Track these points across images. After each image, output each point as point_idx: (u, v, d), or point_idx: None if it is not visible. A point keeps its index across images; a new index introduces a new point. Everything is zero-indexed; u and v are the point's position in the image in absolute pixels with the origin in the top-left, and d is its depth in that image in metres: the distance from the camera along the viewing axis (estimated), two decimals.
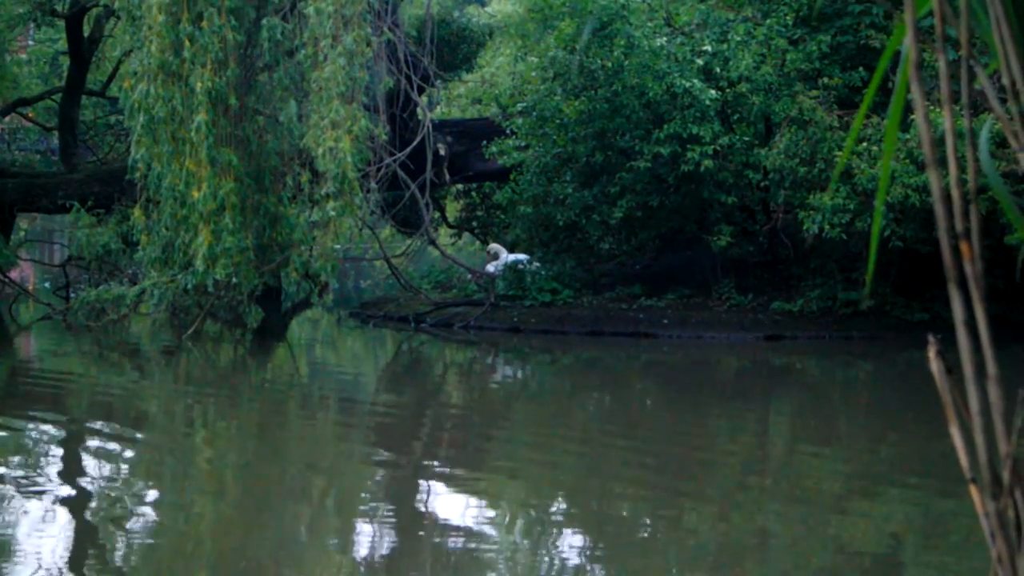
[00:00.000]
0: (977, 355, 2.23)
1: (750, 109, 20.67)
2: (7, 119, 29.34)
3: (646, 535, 10.28)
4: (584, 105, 21.35)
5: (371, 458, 13.31)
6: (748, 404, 16.66)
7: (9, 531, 9.87)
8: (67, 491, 11.42)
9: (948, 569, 9.30)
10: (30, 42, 33.76)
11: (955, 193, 2.04)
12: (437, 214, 27.92)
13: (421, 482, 12.10)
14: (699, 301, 21.52)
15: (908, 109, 16.98)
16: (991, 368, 2.11)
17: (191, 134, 18.62)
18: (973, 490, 2.31)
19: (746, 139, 20.72)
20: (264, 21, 19.36)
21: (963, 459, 2.34)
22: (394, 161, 21.67)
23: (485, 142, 23.94)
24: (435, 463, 13.05)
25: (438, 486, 12.02)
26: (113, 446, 13.69)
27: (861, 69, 20.48)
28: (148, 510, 10.97)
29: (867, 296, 20.07)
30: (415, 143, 22.19)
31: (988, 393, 2.13)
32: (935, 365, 2.32)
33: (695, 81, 20.19)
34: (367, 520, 10.61)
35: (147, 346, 21.64)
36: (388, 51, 21.31)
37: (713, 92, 20.25)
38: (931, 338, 2.35)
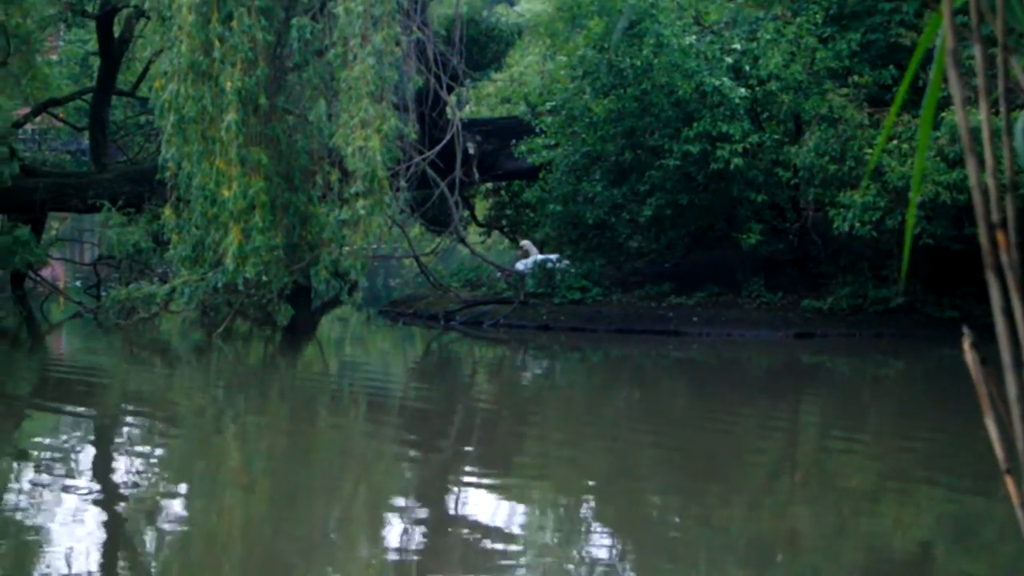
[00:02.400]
0: (1013, 346, 2.23)
1: (780, 107, 20.63)
2: (38, 119, 29.49)
3: (676, 532, 10.29)
4: (613, 104, 21.33)
5: (401, 456, 13.35)
6: (778, 402, 16.63)
7: (41, 524, 9.95)
8: (98, 485, 11.50)
9: (980, 566, 9.28)
10: (61, 43, 33.95)
11: (991, 183, 2.05)
12: (466, 212, 27.96)
13: (451, 479, 12.13)
14: (729, 299, 21.48)
15: (937, 107, 16.88)
16: None
17: (221, 133, 18.68)
18: (1009, 481, 2.30)
19: (776, 137, 20.68)
20: (294, 21, 19.42)
21: (999, 449, 2.33)
22: (423, 160, 21.70)
23: (514, 141, 23.96)
24: (465, 460, 13.07)
25: (468, 483, 12.04)
26: (144, 442, 13.78)
27: (891, 67, 20.40)
28: (178, 505, 11.04)
29: (899, 293, 19.99)
30: (444, 142, 22.22)
31: None
32: (969, 356, 2.32)
33: (724, 79, 20.15)
34: (396, 517, 10.64)
35: (177, 344, 21.74)
36: (417, 50, 21.34)
37: (743, 90, 20.21)
38: (965, 329, 2.35)
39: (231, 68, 18.67)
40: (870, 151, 19.35)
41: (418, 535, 10.04)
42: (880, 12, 20.92)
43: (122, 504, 10.90)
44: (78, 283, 28.35)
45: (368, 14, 18.91)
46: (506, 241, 30.15)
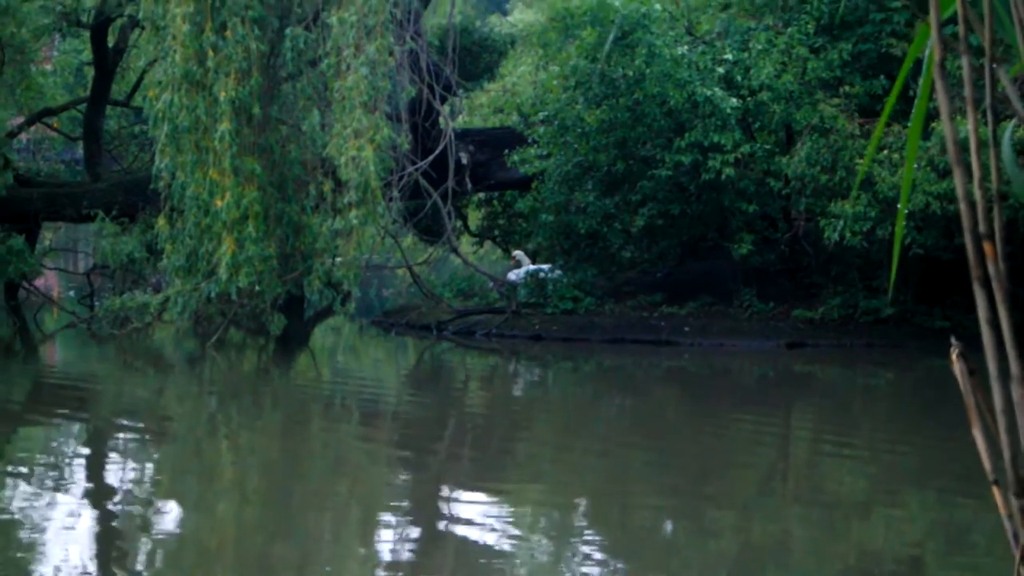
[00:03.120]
0: (1001, 358, 2.25)
1: (771, 117, 20.68)
2: (32, 129, 29.45)
3: (667, 541, 10.31)
4: (605, 114, 21.38)
5: (393, 465, 13.36)
6: (769, 411, 16.66)
7: (35, 534, 9.95)
8: (92, 495, 11.50)
9: (969, 574, 9.31)
10: (55, 52, 33.90)
11: (978, 194, 2.08)
12: (459, 222, 27.96)
13: (443, 489, 12.14)
14: (720, 309, 21.53)
15: (928, 117, 16.90)
16: (1015, 368, 2.14)
17: (215, 143, 18.71)
18: (996, 491, 2.33)
19: (767, 147, 20.74)
20: (287, 31, 19.45)
21: (986, 460, 2.36)
22: (416, 170, 21.73)
23: (507, 151, 23.99)
24: (457, 470, 13.08)
25: (460, 493, 12.06)
26: (137, 453, 13.78)
27: (882, 77, 20.47)
28: (171, 514, 11.04)
29: (889, 304, 20.04)
30: (437, 152, 22.26)
31: (1012, 393, 2.16)
32: (957, 366, 2.34)
33: (716, 90, 20.21)
34: (389, 527, 10.65)
35: (171, 354, 21.73)
36: (410, 60, 21.38)
37: (734, 100, 20.27)
38: (953, 340, 2.38)
39: (225, 78, 18.70)
40: (861, 161, 19.41)
41: (410, 545, 10.05)
42: (871, 22, 20.98)
43: (114, 514, 10.90)
44: (72, 293, 28.33)
45: (361, 24, 18.95)
46: (499, 251, 30.16)
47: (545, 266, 22.78)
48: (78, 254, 32.55)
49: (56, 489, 11.61)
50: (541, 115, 23.13)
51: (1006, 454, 2.24)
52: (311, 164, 20.16)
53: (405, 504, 11.46)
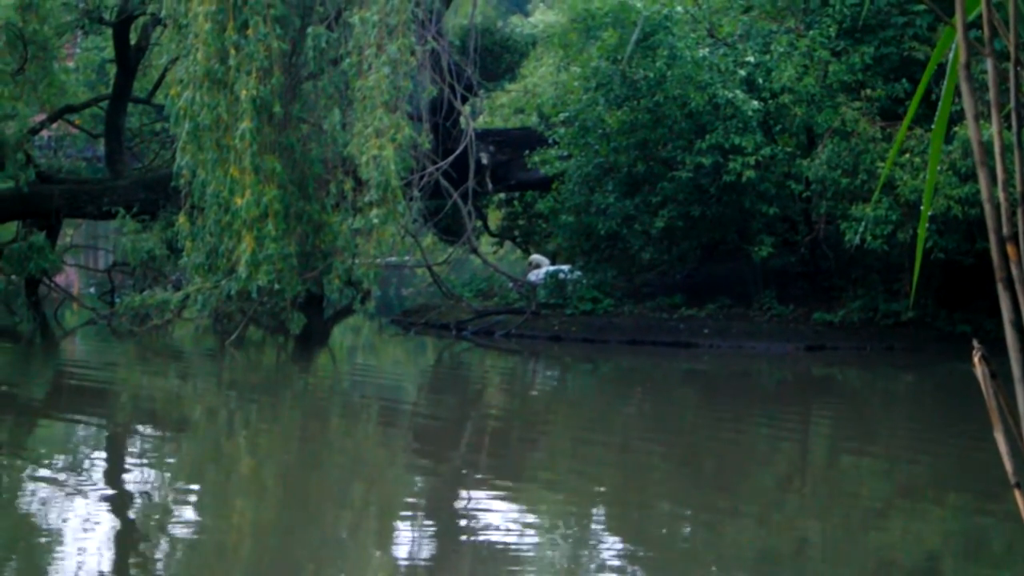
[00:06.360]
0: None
1: (792, 120, 20.64)
2: (54, 126, 29.54)
3: (685, 543, 10.30)
4: (626, 115, 21.36)
5: (411, 464, 13.38)
6: (788, 414, 16.63)
7: (54, 529, 10.00)
8: (110, 492, 11.55)
9: None
10: (77, 50, 33.98)
11: (1002, 196, 2.08)
12: (479, 223, 27.96)
13: (461, 488, 12.16)
14: (740, 311, 21.47)
15: (949, 121, 16.85)
16: None
17: (235, 141, 18.74)
18: (1018, 494, 2.32)
19: (788, 150, 20.69)
20: (309, 30, 19.48)
21: (1008, 463, 2.35)
22: (437, 170, 21.72)
23: (527, 151, 23.98)
24: (475, 470, 13.10)
25: (477, 493, 12.07)
26: (156, 449, 13.83)
27: (904, 80, 20.41)
28: (189, 512, 11.07)
29: (910, 307, 19.98)
30: (458, 152, 22.24)
31: None
32: (979, 368, 2.34)
33: (737, 92, 20.17)
34: (406, 525, 10.67)
35: (190, 351, 21.78)
36: (432, 60, 21.38)
37: (755, 103, 20.22)
38: (975, 343, 2.37)
39: (246, 76, 18.73)
40: (882, 164, 19.36)
41: (428, 544, 10.07)
42: (893, 26, 20.91)
43: (133, 510, 10.94)
44: (92, 290, 28.42)
45: (383, 24, 18.97)
46: (518, 251, 30.16)
47: (565, 267, 22.76)
48: (99, 251, 32.64)
49: (76, 485, 11.66)
50: (562, 116, 23.12)
51: None
52: (332, 163, 20.19)
53: (423, 504, 11.48)
